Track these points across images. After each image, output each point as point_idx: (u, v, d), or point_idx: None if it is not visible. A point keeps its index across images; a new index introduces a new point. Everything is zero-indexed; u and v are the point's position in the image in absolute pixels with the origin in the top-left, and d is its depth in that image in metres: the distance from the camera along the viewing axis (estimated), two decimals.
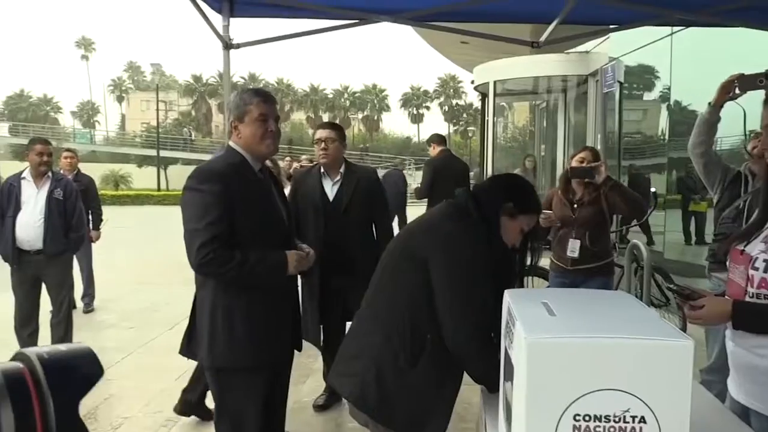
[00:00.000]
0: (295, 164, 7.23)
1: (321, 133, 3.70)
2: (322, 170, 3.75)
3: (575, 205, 3.87)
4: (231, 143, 2.45)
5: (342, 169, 3.71)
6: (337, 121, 68.90)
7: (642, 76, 10.24)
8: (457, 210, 2.01)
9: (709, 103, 3.06)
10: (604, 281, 3.90)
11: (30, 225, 4.69)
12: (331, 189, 3.69)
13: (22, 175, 4.79)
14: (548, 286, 4.85)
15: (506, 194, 2.01)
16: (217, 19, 3.86)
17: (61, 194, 4.78)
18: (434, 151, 6.68)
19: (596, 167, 3.73)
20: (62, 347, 0.59)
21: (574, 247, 3.82)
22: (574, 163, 3.88)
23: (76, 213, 4.89)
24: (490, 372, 1.69)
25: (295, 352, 2.65)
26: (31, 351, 0.57)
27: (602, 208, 3.78)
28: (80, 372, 0.58)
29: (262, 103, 2.40)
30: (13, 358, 0.57)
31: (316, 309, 3.62)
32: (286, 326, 2.50)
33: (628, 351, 1.16)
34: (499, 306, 1.59)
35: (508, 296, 1.62)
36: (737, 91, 2.83)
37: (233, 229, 2.28)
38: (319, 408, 3.87)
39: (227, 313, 2.33)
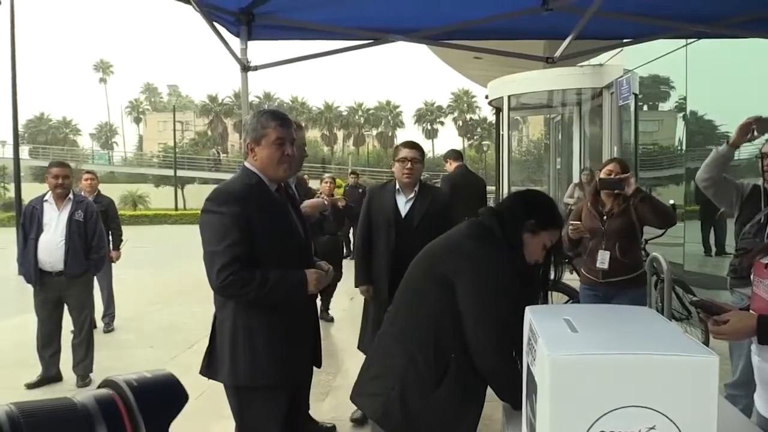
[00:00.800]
0: (324, 184, 7.26)
1: (407, 153, 3.81)
2: (397, 186, 3.87)
3: (605, 217, 3.86)
4: (247, 164, 2.47)
5: (416, 188, 3.84)
6: (352, 138, 69.36)
7: (657, 88, 10.20)
8: (481, 229, 2.02)
9: (726, 142, 3.14)
10: (637, 294, 3.86)
11: (52, 246, 4.77)
12: (404, 205, 3.82)
13: (45, 198, 4.88)
14: (573, 301, 4.82)
15: (528, 211, 2.01)
16: (235, 42, 3.92)
17: (82, 216, 4.86)
18: (451, 166, 6.68)
19: (625, 179, 3.73)
20: (147, 374, 0.62)
21: (603, 259, 3.80)
22: (602, 175, 3.88)
23: (96, 234, 4.96)
24: (515, 389, 1.70)
25: (314, 369, 2.66)
26: (119, 378, 0.58)
27: (632, 219, 3.77)
28: (167, 397, 0.60)
29: (280, 127, 2.43)
30: (102, 385, 0.59)
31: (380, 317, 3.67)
32: (307, 343, 2.52)
33: (652, 367, 1.15)
34: (521, 323, 1.60)
35: (530, 313, 1.62)
36: (755, 133, 2.94)
37: (252, 249, 2.30)
38: (357, 422, 3.91)
39: (248, 334, 2.36)
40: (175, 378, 0.62)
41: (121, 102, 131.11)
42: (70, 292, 4.86)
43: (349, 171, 15.52)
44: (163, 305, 8.43)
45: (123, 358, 5.82)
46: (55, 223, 4.82)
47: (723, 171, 3.30)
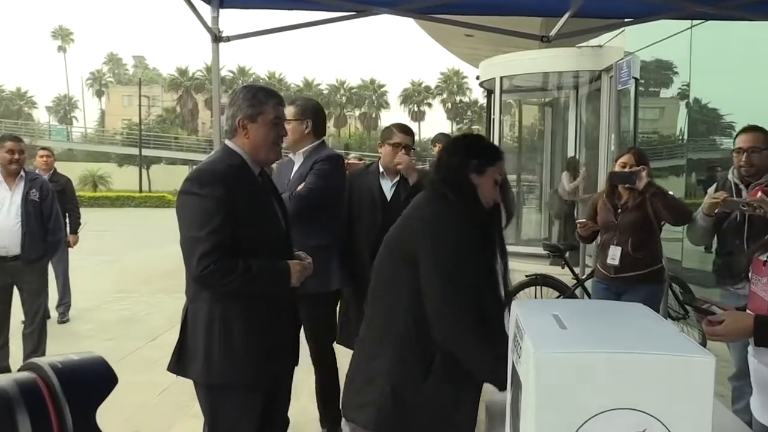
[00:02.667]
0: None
1: (403, 138, 3.78)
2: (381, 170, 3.86)
3: (619, 210, 3.90)
4: (229, 143, 2.45)
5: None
6: (333, 119, 69.12)
7: (659, 72, 10.27)
8: (432, 196, 2.11)
9: (702, 211, 3.49)
10: (651, 290, 3.88)
11: (7, 229, 4.69)
12: (389, 189, 3.82)
13: None
14: (566, 296, 4.86)
15: (467, 155, 2.12)
16: (205, 9, 3.87)
17: (38, 195, 4.78)
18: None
19: (636, 172, 3.76)
20: (74, 356, 0.61)
21: (614, 255, 3.85)
22: (616, 168, 3.93)
23: (53, 215, 4.89)
24: (493, 363, 1.76)
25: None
26: (43, 361, 0.58)
27: (647, 213, 3.80)
28: (95, 381, 0.59)
29: (278, 105, 2.46)
30: (23, 368, 0.58)
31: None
32: (285, 340, 2.52)
33: (644, 367, 1.16)
34: (490, 287, 1.69)
35: (517, 308, 1.62)
36: (722, 208, 3.35)
37: (234, 236, 2.29)
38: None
39: (225, 327, 2.34)
40: (104, 360, 0.61)
41: (81, 73, 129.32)
42: (25, 278, 4.78)
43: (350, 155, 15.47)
44: (124, 294, 8.37)
45: (78, 351, 5.76)
46: (8, 204, 4.73)
47: (713, 233, 3.61)
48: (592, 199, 4.27)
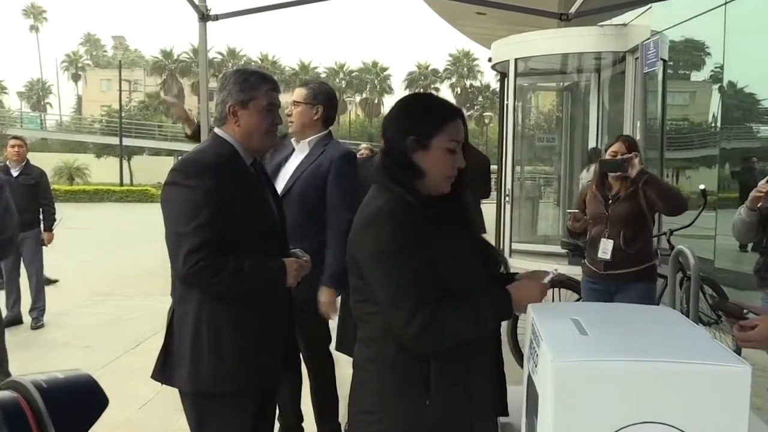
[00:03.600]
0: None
1: None
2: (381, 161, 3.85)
3: (609, 201, 3.98)
4: (219, 131, 2.46)
5: None
6: None
7: (690, 53, 10.23)
8: (375, 190, 1.99)
9: (746, 204, 3.51)
10: (645, 289, 3.98)
11: None
12: None
13: None
14: (576, 297, 4.86)
15: (403, 130, 1.94)
16: None
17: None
18: None
19: (628, 159, 3.85)
20: (59, 374, 0.60)
21: (606, 248, 3.92)
22: (606, 156, 4.02)
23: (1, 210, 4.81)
24: (474, 310, 1.80)
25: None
26: (25, 379, 0.57)
27: (640, 204, 3.88)
28: (83, 403, 0.59)
29: (272, 91, 2.46)
30: (5, 387, 0.58)
31: None
32: (279, 344, 2.52)
33: (674, 377, 1.15)
34: (456, 273, 1.74)
35: (532, 312, 1.62)
36: (765, 203, 3.38)
37: (224, 232, 2.29)
38: None
39: (213, 331, 2.34)
40: (93, 379, 0.60)
41: (56, 55, 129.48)
42: None
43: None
44: (104, 298, 8.37)
45: (53, 359, 5.77)
46: None
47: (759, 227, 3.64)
48: (580, 191, 4.37)
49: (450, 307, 1.78)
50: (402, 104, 2.06)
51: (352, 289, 1.97)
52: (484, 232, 9.07)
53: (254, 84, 2.43)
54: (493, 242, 12.22)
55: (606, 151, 4.11)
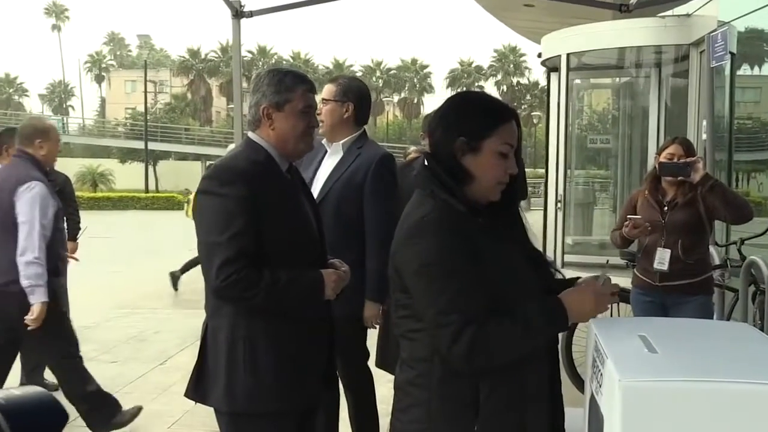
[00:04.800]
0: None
1: None
2: (425, 164, 3.85)
3: (665, 208, 3.95)
4: (253, 136, 2.48)
5: None
6: None
7: (760, 46, 10.05)
8: (420, 196, 1.96)
9: None
10: (704, 302, 3.96)
11: None
12: None
13: None
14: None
15: (452, 131, 1.91)
16: None
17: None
18: None
19: (692, 163, 3.82)
20: (16, 391, 0.62)
21: (663, 258, 3.90)
22: (662, 159, 3.98)
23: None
24: (527, 321, 1.74)
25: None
26: None
27: (699, 211, 3.86)
28: (44, 417, 0.60)
29: (309, 93, 2.48)
30: None
31: None
32: (319, 361, 2.53)
33: (752, 399, 1.13)
34: (504, 283, 1.72)
35: (595, 327, 1.61)
36: None
37: (260, 242, 2.31)
38: None
39: (249, 347, 2.36)
40: (51, 395, 0.63)
41: (78, 56, 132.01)
42: None
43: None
44: (130, 310, 8.50)
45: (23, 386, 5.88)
46: None
47: None
48: (629, 198, 4.31)
49: (497, 321, 1.75)
50: (452, 103, 2.03)
51: (395, 305, 1.96)
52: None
53: (290, 85, 2.45)
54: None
55: (660, 154, 4.06)
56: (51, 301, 3.89)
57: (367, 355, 3.76)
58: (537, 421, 1.86)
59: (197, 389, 2.49)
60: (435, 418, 1.85)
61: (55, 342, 4.18)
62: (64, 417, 0.63)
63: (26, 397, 0.63)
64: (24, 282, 3.81)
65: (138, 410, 4.41)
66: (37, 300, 3.82)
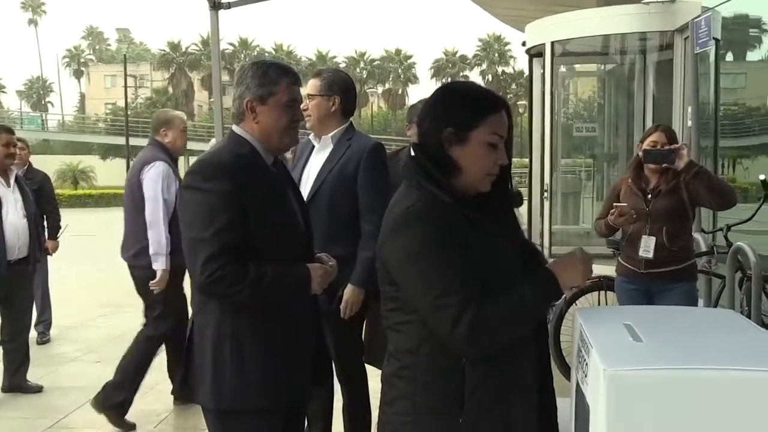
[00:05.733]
0: None
1: None
2: (412, 154, 3.87)
3: (649, 196, 4.01)
4: (237, 129, 2.49)
5: None
6: None
7: (744, 32, 10.11)
8: (406, 187, 1.96)
9: None
10: (688, 288, 4.04)
11: (21, 228, 5.06)
12: None
13: None
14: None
15: (439, 120, 1.92)
16: None
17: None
18: None
19: (676, 150, 3.90)
20: None
21: (648, 246, 3.96)
22: (646, 146, 4.04)
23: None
24: (520, 297, 1.75)
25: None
26: None
27: (682, 198, 3.94)
28: None
29: (293, 85, 2.47)
30: None
31: None
32: (307, 357, 2.54)
33: (738, 386, 1.14)
34: (495, 269, 1.73)
35: (580, 317, 1.61)
36: None
37: (245, 237, 2.32)
38: None
39: (236, 344, 2.36)
40: None
41: (56, 51, 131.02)
42: (24, 283, 5.21)
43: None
44: (114, 309, 8.45)
45: (64, 375, 5.85)
46: (13, 201, 5.08)
47: None
48: (612, 186, 4.37)
49: (493, 301, 1.76)
50: (440, 93, 2.02)
51: (383, 298, 1.96)
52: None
53: (274, 78, 2.44)
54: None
55: (643, 142, 4.12)
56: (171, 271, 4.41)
57: (360, 348, 3.77)
58: (523, 413, 1.85)
59: (184, 387, 2.50)
60: (420, 410, 1.86)
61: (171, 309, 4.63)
62: None
63: None
64: (150, 250, 4.36)
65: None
66: (159, 267, 4.39)
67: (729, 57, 10.10)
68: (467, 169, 1.89)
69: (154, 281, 4.41)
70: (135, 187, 4.51)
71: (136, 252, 4.49)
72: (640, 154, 4.07)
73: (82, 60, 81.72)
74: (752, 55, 10.40)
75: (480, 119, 1.88)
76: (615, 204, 4.02)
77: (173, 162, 4.66)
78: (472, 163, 1.89)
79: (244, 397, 2.37)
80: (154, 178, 4.44)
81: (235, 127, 2.49)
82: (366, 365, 3.82)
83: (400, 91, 74.50)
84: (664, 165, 3.95)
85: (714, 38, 8.00)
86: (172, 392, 4.57)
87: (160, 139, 4.68)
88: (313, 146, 3.64)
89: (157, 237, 4.38)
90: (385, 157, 3.63)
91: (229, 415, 2.42)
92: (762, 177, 6.21)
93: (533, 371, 1.90)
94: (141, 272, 4.49)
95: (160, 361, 5.96)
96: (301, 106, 3.56)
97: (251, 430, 2.42)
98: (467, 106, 1.91)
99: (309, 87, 3.55)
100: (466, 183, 1.91)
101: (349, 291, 3.43)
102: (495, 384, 1.82)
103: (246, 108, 2.45)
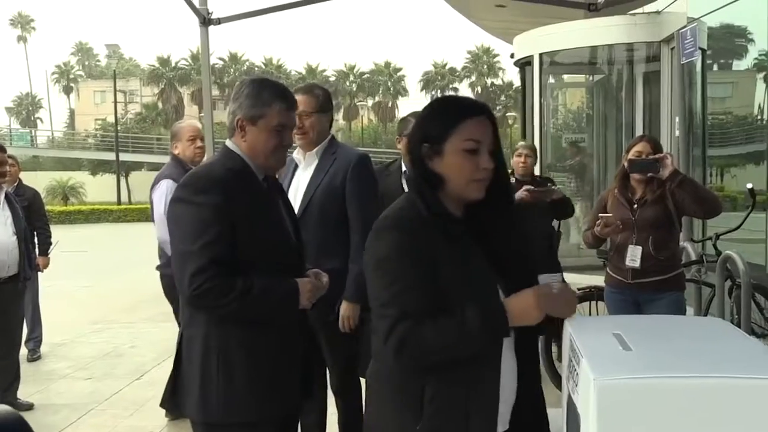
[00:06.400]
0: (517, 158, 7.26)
1: None
2: (403, 168, 3.95)
3: (635, 206, 4.05)
4: (229, 143, 2.51)
5: None
6: (342, 110, 69.41)
7: (731, 41, 10.18)
8: (403, 197, 2.02)
9: None
10: (676, 298, 4.06)
11: (11, 245, 5.04)
12: None
13: None
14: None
15: (418, 139, 1.96)
16: None
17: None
18: None
19: (660, 159, 3.93)
20: None
21: (634, 255, 3.98)
22: (631, 156, 4.07)
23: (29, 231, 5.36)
24: (439, 344, 1.77)
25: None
26: None
27: (668, 207, 3.96)
28: None
29: (286, 111, 2.48)
30: None
31: None
32: (296, 370, 2.54)
33: (728, 394, 1.15)
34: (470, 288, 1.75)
35: (570, 326, 1.62)
36: None
37: (234, 251, 2.33)
38: None
39: (223, 357, 2.38)
40: (17, 414, 0.63)
41: (46, 67, 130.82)
42: (15, 301, 5.18)
43: None
44: (104, 325, 8.44)
45: (55, 392, 5.82)
46: (3, 218, 5.08)
47: None
48: (600, 198, 4.40)
49: (433, 321, 1.78)
50: (421, 111, 2.10)
51: (369, 299, 1.99)
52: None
53: (267, 100, 2.45)
54: None
55: (628, 152, 4.16)
56: None
57: (355, 360, 3.76)
58: (484, 425, 1.85)
59: (173, 399, 2.52)
60: (384, 413, 1.93)
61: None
62: None
63: None
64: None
65: None
66: None
67: (716, 67, 10.18)
68: (450, 180, 1.91)
69: None
70: (151, 204, 4.78)
71: (163, 262, 4.66)
72: (626, 164, 4.11)
73: (71, 76, 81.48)
74: (739, 65, 10.47)
75: (450, 128, 1.90)
76: (600, 214, 4.05)
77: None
78: (453, 173, 1.90)
79: (231, 410, 2.38)
80: (158, 198, 4.57)
81: (228, 142, 2.51)
82: (361, 378, 3.82)
83: (390, 104, 74.58)
84: (649, 174, 3.98)
85: (700, 48, 8.07)
86: (161, 404, 4.56)
87: (174, 152, 4.81)
88: (296, 165, 3.64)
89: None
90: (371, 167, 3.66)
91: (216, 429, 2.43)
92: (749, 186, 6.25)
93: (496, 381, 1.86)
94: (167, 280, 4.55)
95: (150, 377, 5.96)
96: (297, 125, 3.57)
97: None
98: (437, 119, 1.96)
99: (303, 104, 3.49)
100: (454, 193, 1.93)
101: (344, 306, 3.44)
102: (454, 395, 1.83)
103: (236, 125, 2.47)
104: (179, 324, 4.83)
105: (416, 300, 1.79)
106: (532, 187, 4.95)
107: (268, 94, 2.46)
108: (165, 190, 4.52)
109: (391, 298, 1.81)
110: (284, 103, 2.48)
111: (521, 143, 6.06)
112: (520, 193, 4.74)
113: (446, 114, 1.96)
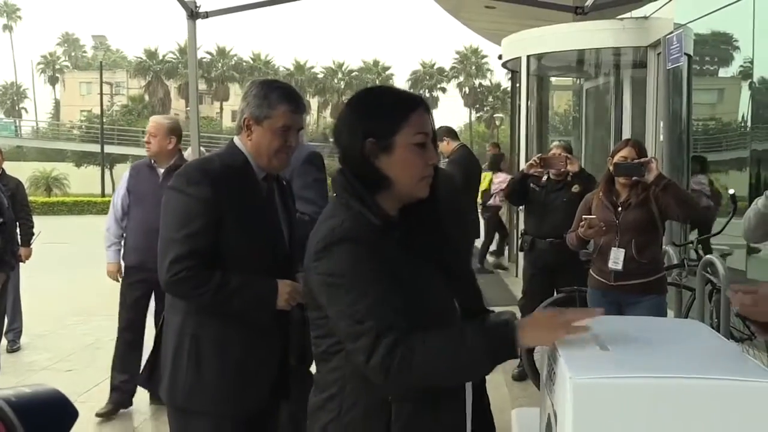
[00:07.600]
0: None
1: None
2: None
3: (619, 209, 4.09)
4: (236, 140, 2.56)
5: None
6: (329, 108, 69.23)
7: (717, 47, 10.25)
8: (332, 206, 1.84)
9: (767, 194, 3.21)
10: (657, 301, 4.11)
11: None
12: None
13: None
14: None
15: (357, 133, 1.77)
16: None
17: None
18: (448, 147, 6.71)
19: (645, 163, 3.98)
20: (26, 389, 0.63)
21: (617, 258, 4.03)
22: (616, 160, 4.12)
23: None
24: (461, 342, 1.61)
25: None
26: None
27: (652, 211, 4.01)
28: (55, 415, 0.62)
29: (292, 113, 2.52)
30: None
31: None
32: (268, 369, 2.55)
33: (703, 395, 1.16)
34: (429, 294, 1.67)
35: None
36: None
37: (219, 245, 2.39)
38: None
39: (195, 344, 2.44)
40: (60, 393, 0.64)
41: (31, 57, 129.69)
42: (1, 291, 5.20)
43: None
44: (86, 317, 8.38)
45: (34, 384, 5.79)
46: None
47: None
48: (584, 200, 4.43)
49: (426, 335, 1.64)
50: (352, 103, 1.89)
51: (311, 324, 1.83)
52: (477, 236, 9.17)
53: (274, 102, 2.50)
54: (507, 257, 12.23)
55: (613, 156, 4.21)
56: None
57: None
58: None
59: (150, 379, 2.60)
60: None
61: None
62: (74, 415, 0.65)
63: (37, 395, 0.64)
64: None
65: None
66: None
67: (701, 73, 10.25)
68: (399, 179, 1.77)
69: None
70: None
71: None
72: (611, 168, 4.16)
73: (57, 66, 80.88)
74: (724, 71, 10.55)
75: (401, 121, 1.76)
76: (584, 216, 4.08)
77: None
78: (404, 170, 1.76)
79: (193, 398, 2.44)
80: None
81: (235, 138, 2.58)
82: None
83: None
84: (634, 178, 4.02)
85: (686, 54, 8.13)
86: (137, 381, 4.45)
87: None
88: None
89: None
90: (321, 164, 3.52)
91: (180, 413, 2.49)
92: (731, 191, 6.31)
93: (463, 404, 1.81)
94: None
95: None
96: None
97: (205, 430, 2.46)
98: (384, 111, 1.79)
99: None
100: (401, 193, 1.80)
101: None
102: (423, 424, 1.73)
103: (243, 124, 2.53)
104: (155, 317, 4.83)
105: (392, 311, 1.65)
106: None
107: (276, 96, 2.51)
108: (122, 178, 4.93)
109: (364, 314, 1.64)
110: (290, 105, 2.53)
111: (555, 143, 6.20)
112: None
113: (393, 105, 1.80)
